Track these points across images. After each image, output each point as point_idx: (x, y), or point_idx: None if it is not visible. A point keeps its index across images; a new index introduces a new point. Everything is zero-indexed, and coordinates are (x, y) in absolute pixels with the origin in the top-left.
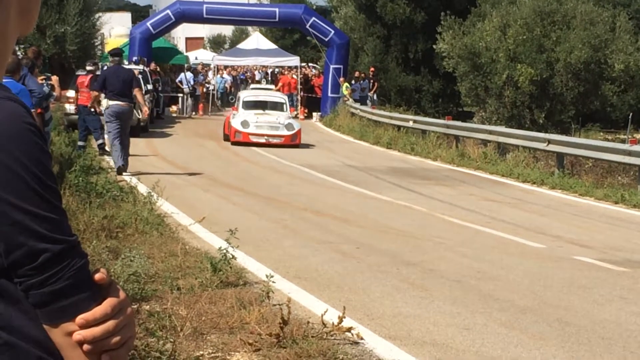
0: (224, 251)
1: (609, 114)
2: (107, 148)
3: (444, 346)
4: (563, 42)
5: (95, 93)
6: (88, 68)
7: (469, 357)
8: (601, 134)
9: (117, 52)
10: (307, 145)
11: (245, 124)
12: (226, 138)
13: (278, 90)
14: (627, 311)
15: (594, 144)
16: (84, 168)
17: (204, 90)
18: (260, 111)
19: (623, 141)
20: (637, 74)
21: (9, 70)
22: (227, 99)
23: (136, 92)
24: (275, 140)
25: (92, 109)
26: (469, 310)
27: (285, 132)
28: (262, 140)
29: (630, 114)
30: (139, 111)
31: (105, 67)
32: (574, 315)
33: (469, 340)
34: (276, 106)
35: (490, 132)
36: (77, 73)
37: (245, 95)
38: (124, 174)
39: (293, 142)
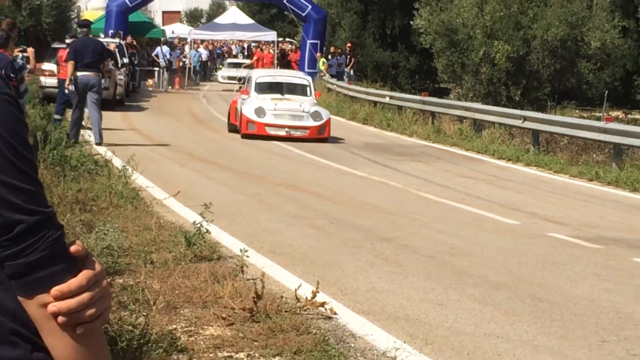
0: (198, 225)
1: (585, 92)
2: (83, 123)
3: (417, 321)
4: (540, 19)
5: (72, 62)
6: (67, 41)
7: (442, 332)
8: (577, 111)
9: (85, 23)
10: None
11: (260, 111)
12: (232, 129)
13: (251, 64)
14: (600, 288)
15: (570, 121)
16: (59, 141)
17: (180, 64)
18: (279, 96)
19: (598, 119)
20: (613, 52)
21: None
22: (203, 73)
23: (105, 63)
24: (298, 133)
25: (70, 87)
26: (442, 286)
27: (311, 123)
28: (282, 132)
29: (606, 92)
30: (106, 80)
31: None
32: (547, 291)
33: (442, 315)
34: (298, 89)
35: (467, 109)
36: (54, 46)
37: (258, 75)
38: (99, 147)
39: (321, 136)
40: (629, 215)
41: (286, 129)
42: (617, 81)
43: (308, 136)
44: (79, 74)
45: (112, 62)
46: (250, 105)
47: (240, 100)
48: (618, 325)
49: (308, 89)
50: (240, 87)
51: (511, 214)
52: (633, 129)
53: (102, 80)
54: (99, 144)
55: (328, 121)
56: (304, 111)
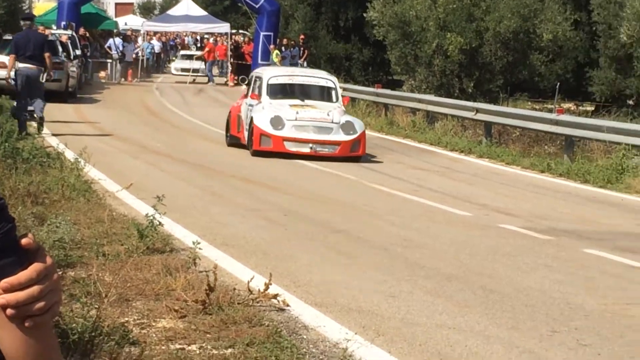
0: (151, 218)
1: (537, 84)
2: (35, 115)
3: (369, 313)
4: (492, 11)
5: (13, 55)
6: None
7: (394, 324)
8: (529, 103)
9: (28, 17)
10: None
11: (277, 122)
12: (234, 142)
13: (202, 56)
14: (550, 279)
15: (522, 113)
16: (11, 133)
17: (133, 56)
18: (298, 101)
19: (550, 111)
20: (565, 44)
21: None
22: (156, 65)
23: (46, 56)
24: (325, 150)
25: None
26: (395, 277)
27: (342, 137)
28: (306, 149)
29: (558, 84)
30: (45, 74)
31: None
32: (498, 282)
33: (394, 307)
34: (321, 93)
35: (420, 101)
36: (6, 37)
37: (270, 74)
38: (50, 139)
39: (354, 153)
40: (580, 206)
41: (311, 145)
42: (569, 73)
43: (338, 154)
44: (20, 65)
45: (64, 53)
46: (264, 113)
47: (246, 107)
48: (568, 316)
49: (334, 92)
50: (194, 79)
51: (463, 206)
52: (584, 120)
53: (47, 74)
54: (42, 119)
55: (363, 135)
56: (332, 122)
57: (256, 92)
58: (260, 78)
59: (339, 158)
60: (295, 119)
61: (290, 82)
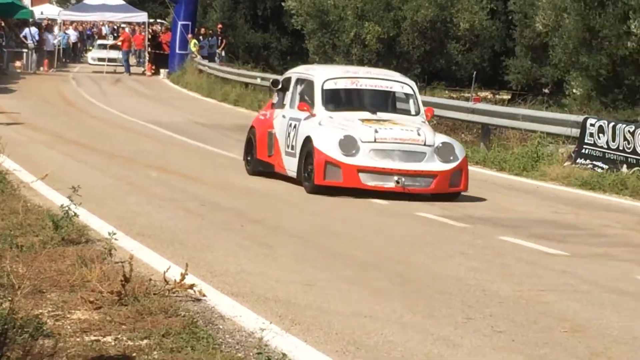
0: (66, 208)
1: (454, 73)
2: None
3: (286, 302)
4: (410, 0)
5: None
6: None
7: (311, 313)
8: (446, 92)
9: None
10: (154, 101)
11: (349, 145)
12: (260, 168)
13: (116, 44)
14: (466, 266)
15: (439, 101)
16: None
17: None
18: (368, 115)
19: (467, 99)
20: (481, 33)
21: None
22: (72, 54)
23: None
24: (416, 185)
25: None
26: (311, 266)
27: (439, 166)
28: (390, 183)
29: (475, 73)
30: None
31: None
32: (415, 270)
33: (311, 296)
34: (395, 102)
35: None
36: None
37: (324, 76)
38: None
39: (454, 189)
40: (494, 194)
41: (396, 177)
42: (486, 62)
43: (433, 189)
44: None
45: None
46: (327, 131)
47: (286, 121)
48: (484, 303)
49: (412, 101)
50: (115, 70)
51: (380, 194)
52: (500, 109)
53: None
54: None
55: (465, 162)
56: (425, 144)
57: (297, 99)
58: (307, 81)
59: (434, 196)
60: (375, 140)
61: (353, 86)
